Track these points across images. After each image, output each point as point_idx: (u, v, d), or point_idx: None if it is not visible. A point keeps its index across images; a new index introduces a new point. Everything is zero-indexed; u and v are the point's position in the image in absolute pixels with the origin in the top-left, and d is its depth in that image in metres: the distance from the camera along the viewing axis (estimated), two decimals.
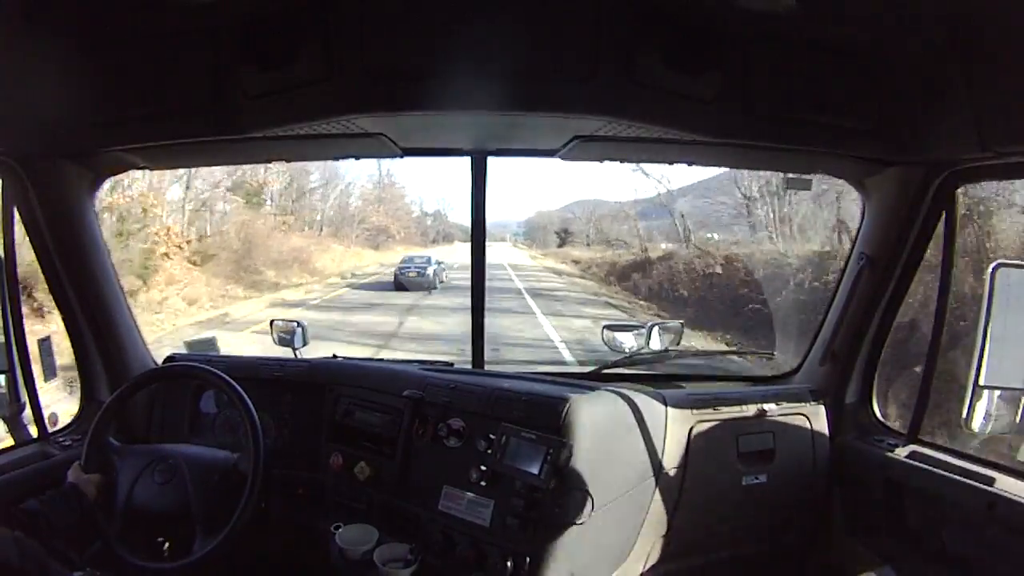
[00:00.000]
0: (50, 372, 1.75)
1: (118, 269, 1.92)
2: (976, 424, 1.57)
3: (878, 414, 1.87)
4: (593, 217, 19.07)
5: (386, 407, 1.72)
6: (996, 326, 1.54)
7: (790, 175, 1.87)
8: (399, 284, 13.90)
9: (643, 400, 1.66)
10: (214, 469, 1.57)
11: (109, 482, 1.53)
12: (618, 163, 1.92)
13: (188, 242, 12.47)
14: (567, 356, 8.68)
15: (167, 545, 1.59)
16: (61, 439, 1.75)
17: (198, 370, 1.69)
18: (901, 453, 1.67)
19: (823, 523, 1.88)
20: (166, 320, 10.27)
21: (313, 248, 15.74)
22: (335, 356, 2.09)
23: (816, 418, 1.85)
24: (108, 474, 1.54)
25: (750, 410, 1.79)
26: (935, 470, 1.55)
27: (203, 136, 1.52)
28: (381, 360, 2.14)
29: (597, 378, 2.02)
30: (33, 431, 1.72)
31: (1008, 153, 1.36)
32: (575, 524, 1.40)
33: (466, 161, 1.94)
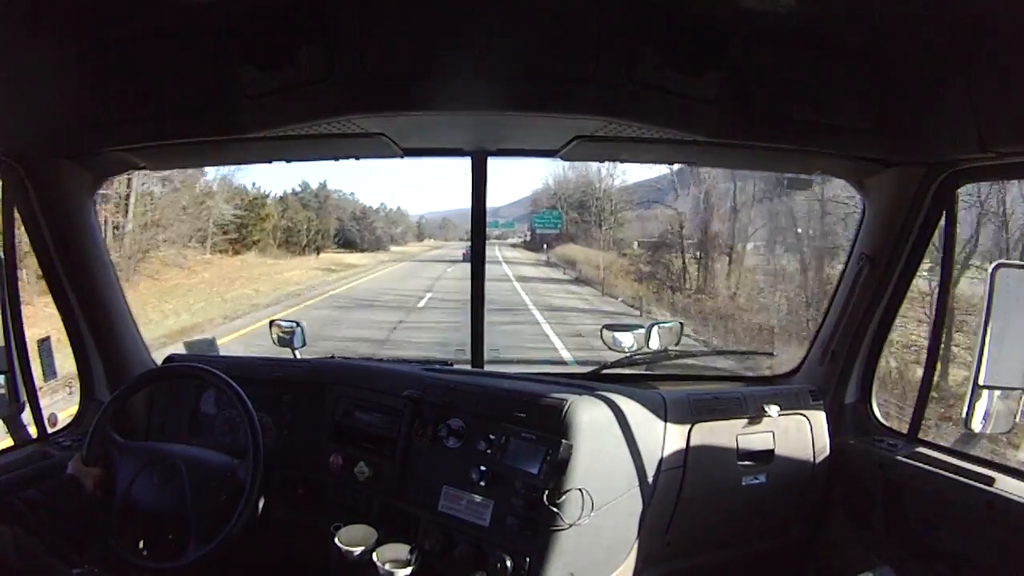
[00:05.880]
0: (50, 372, 1.76)
1: None
2: (976, 424, 1.57)
3: (878, 414, 1.87)
4: None
5: (386, 407, 1.72)
6: (996, 326, 1.54)
7: (790, 175, 1.87)
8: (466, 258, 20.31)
9: (643, 401, 1.66)
10: (213, 474, 1.57)
11: (108, 477, 1.54)
12: (618, 163, 1.92)
13: None
14: None
15: (160, 545, 1.59)
16: (61, 440, 1.75)
17: (198, 370, 1.69)
18: (901, 453, 1.67)
19: (823, 523, 1.88)
20: None
21: None
22: (334, 356, 2.09)
23: (816, 418, 1.85)
24: (108, 468, 1.54)
25: (750, 410, 1.79)
26: (935, 470, 1.55)
27: (203, 136, 1.51)
28: (381, 360, 2.13)
29: (597, 378, 2.01)
30: (33, 431, 1.72)
31: (1008, 153, 1.36)
32: (575, 524, 1.40)
33: None
